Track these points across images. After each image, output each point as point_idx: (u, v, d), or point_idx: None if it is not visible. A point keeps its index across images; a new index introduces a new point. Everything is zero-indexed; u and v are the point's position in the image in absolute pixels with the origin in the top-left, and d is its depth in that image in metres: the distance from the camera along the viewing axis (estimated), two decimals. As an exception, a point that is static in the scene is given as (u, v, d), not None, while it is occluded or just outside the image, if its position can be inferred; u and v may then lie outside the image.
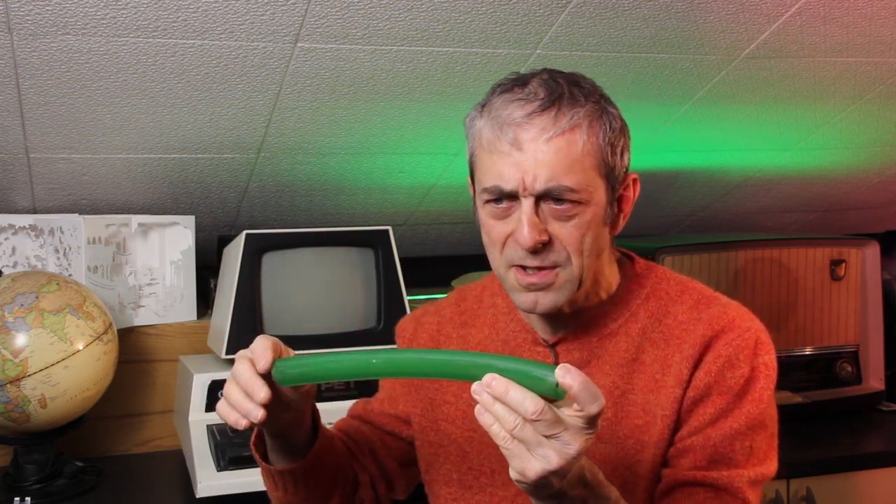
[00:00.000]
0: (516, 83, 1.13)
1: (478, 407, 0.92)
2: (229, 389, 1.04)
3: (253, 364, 1.03)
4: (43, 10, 1.46)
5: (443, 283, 2.38)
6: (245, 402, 1.01)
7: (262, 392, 1.01)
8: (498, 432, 0.91)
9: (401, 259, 1.97)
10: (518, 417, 0.89)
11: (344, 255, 1.96)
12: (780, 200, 2.73)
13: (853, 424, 2.22)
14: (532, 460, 0.90)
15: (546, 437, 0.90)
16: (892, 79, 2.09)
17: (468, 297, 1.34)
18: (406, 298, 1.97)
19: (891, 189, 2.75)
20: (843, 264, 2.24)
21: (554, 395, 0.90)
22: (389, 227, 1.97)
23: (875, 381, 2.27)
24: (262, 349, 1.04)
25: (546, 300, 1.12)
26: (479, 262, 2.63)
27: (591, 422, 0.90)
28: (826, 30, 1.83)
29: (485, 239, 1.16)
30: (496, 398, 0.90)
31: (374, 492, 1.31)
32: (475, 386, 0.92)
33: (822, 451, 2.00)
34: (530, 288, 1.12)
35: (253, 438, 1.20)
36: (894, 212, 2.94)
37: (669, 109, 2.09)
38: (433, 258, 2.65)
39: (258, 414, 1.01)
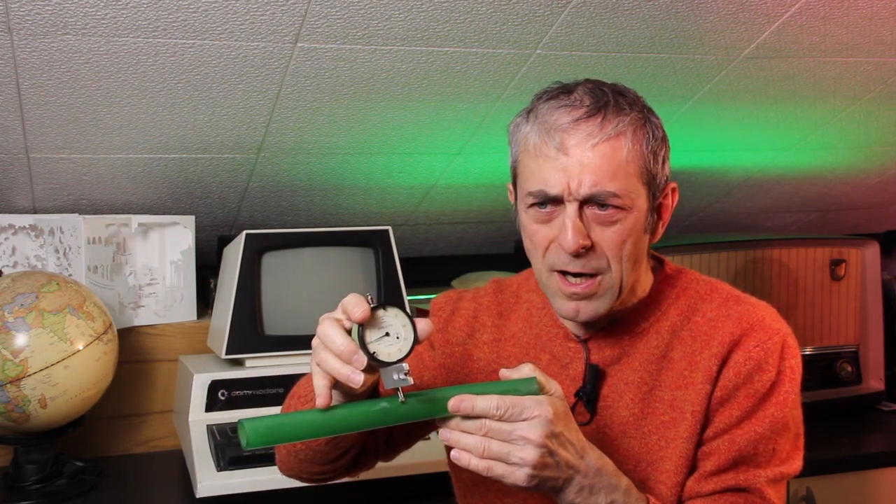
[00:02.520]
0: (562, 91, 1.15)
1: (453, 453, 1.02)
2: (323, 357, 1.01)
3: (342, 327, 1.02)
4: (43, 10, 1.46)
5: (443, 283, 2.38)
6: (343, 369, 1.00)
7: (363, 360, 1.00)
8: (477, 464, 1.01)
9: (401, 259, 1.97)
10: (480, 439, 1.00)
11: (344, 255, 1.96)
12: (780, 200, 2.73)
13: (853, 424, 2.22)
14: (515, 469, 1.00)
15: (511, 441, 1.00)
16: (892, 79, 2.09)
17: (505, 290, 1.36)
18: (406, 298, 1.97)
19: (891, 189, 2.75)
20: (843, 264, 2.24)
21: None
22: (389, 227, 1.97)
23: (875, 381, 2.27)
24: (355, 302, 1.02)
25: (588, 309, 1.15)
26: (479, 262, 2.65)
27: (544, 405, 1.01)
28: (826, 30, 1.83)
29: (527, 243, 1.18)
30: (466, 414, 1.01)
31: (376, 454, 1.31)
32: (441, 434, 1.03)
33: (822, 451, 2.00)
34: (573, 297, 1.15)
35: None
36: (894, 212, 2.94)
37: (669, 109, 2.09)
38: (433, 258, 2.65)
39: (359, 380, 1.00)
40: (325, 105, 1.84)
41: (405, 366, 1.02)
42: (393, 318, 1.03)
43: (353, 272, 1.95)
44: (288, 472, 1.29)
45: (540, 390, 1.04)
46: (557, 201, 1.12)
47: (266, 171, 2.06)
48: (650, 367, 1.19)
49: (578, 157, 1.10)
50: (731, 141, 2.31)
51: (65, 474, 1.79)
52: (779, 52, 1.89)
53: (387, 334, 1.02)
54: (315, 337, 1.04)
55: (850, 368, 2.23)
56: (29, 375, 1.62)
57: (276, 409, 1.28)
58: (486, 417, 1.01)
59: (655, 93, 1.99)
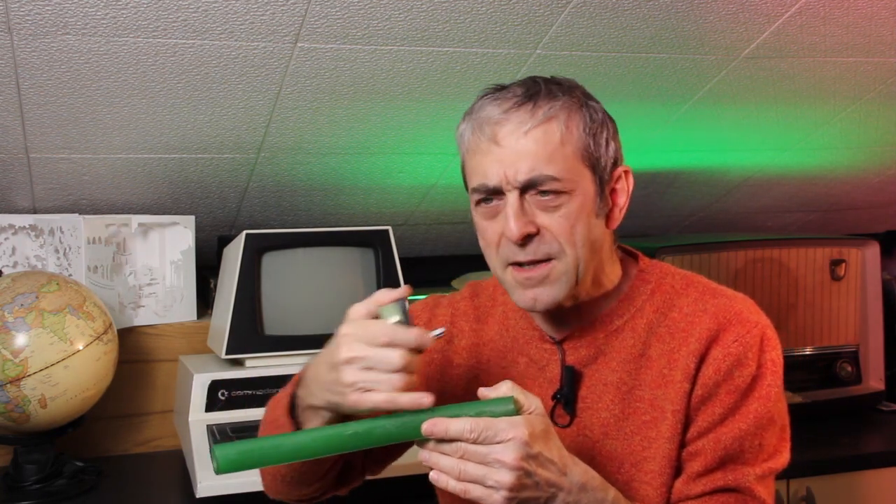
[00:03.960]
0: (498, 88, 1.16)
1: (431, 474, 1.02)
2: (385, 378, 1.02)
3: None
4: (43, 10, 1.46)
5: (443, 283, 2.38)
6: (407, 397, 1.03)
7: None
8: (455, 486, 1.00)
9: (401, 259, 1.97)
10: (456, 461, 0.99)
11: (344, 255, 1.96)
12: (780, 200, 2.73)
13: (853, 424, 2.22)
14: (492, 492, 0.99)
15: (486, 463, 0.99)
16: (892, 79, 2.09)
17: (482, 294, 1.35)
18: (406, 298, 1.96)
19: (891, 189, 2.75)
20: (843, 264, 2.24)
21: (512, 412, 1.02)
22: (389, 227, 1.97)
23: (875, 381, 2.27)
24: (384, 295, 1.06)
25: (545, 296, 1.14)
26: (479, 262, 2.63)
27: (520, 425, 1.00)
28: (826, 30, 1.83)
29: (481, 242, 1.19)
30: (440, 438, 1.00)
31: (362, 470, 1.31)
32: (420, 455, 1.02)
33: (822, 451, 2.00)
34: (527, 284, 1.14)
35: (285, 409, 1.18)
36: (894, 212, 2.94)
37: (669, 109, 2.09)
38: (433, 258, 2.65)
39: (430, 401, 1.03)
40: (325, 105, 1.84)
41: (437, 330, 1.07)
42: (386, 313, 1.06)
43: (353, 272, 1.96)
44: (275, 496, 1.28)
45: (518, 409, 1.02)
46: (499, 193, 1.12)
47: (266, 171, 2.06)
48: (628, 367, 1.17)
49: (512, 145, 1.10)
50: (731, 141, 2.31)
51: (65, 474, 1.79)
52: (779, 52, 1.89)
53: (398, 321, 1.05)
54: (357, 367, 1.03)
55: (850, 368, 2.23)
56: (29, 375, 1.62)
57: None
58: (460, 441, 1.00)
59: (655, 93, 2.00)
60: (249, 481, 1.66)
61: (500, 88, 1.15)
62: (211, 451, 1.01)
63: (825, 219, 2.90)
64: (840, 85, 2.08)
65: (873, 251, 2.27)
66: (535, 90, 1.12)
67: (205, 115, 1.81)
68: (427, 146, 2.08)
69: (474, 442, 0.99)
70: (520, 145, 1.10)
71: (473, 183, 1.14)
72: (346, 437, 1.03)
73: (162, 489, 1.84)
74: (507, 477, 0.98)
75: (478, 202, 1.15)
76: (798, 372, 2.18)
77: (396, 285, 1.94)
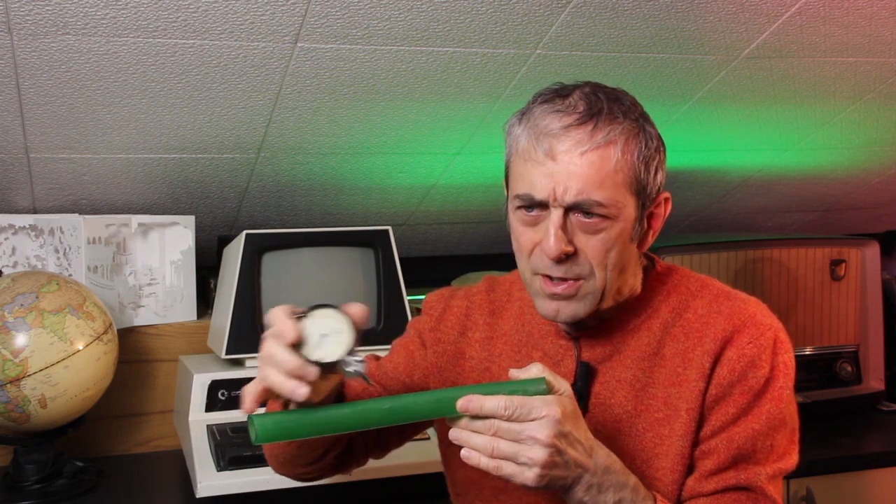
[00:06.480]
0: (558, 94, 1.15)
1: (462, 452, 1.02)
2: (268, 373, 1.01)
3: (285, 342, 1.01)
4: (43, 10, 1.46)
5: (443, 283, 2.37)
6: (286, 383, 1.00)
7: (313, 372, 1.01)
8: (487, 463, 1.01)
9: (401, 259, 1.97)
10: (489, 438, 1.00)
11: (344, 255, 1.96)
12: (780, 200, 2.73)
13: (853, 424, 2.22)
14: (524, 469, 1.00)
15: (519, 441, 1.00)
16: (892, 79, 2.09)
17: (498, 288, 1.37)
18: (406, 298, 1.97)
19: (891, 189, 2.75)
20: (843, 264, 2.24)
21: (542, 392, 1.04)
22: (389, 227, 1.97)
23: (875, 381, 2.27)
24: (282, 327, 1.02)
25: (567, 310, 1.16)
26: (479, 262, 2.65)
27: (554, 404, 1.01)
28: (826, 30, 1.83)
29: (514, 244, 1.19)
30: (475, 414, 1.01)
31: (366, 452, 1.32)
32: (451, 433, 1.03)
33: (822, 451, 2.00)
34: (553, 297, 1.16)
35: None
36: (894, 212, 2.94)
37: (669, 109, 2.09)
38: (433, 258, 2.65)
39: (304, 392, 1.00)
40: (325, 105, 1.84)
41: (356, 354, 1.03)
42: (324, 319, 1.03)
43: (353, 272, 1.96)
44: (277, 471, 1.31)
45: (549, 390, 1.04)
46: (543, 206, 1.13)
47: (266, 171, 2.06)
48: (642, 365, 1.19)
49: (566, 163, 1.10)
50: (731, 141, 2.31)
51: (65, 474, 1.79)
52: (779, 52, 1.89)
53: (326, 335, 1.03)
54: (260, 356, 1.04)
55: (850, 368, 2.23)
56: (29, 375, 1.62)
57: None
58: (494, 418, 1.01)
59: (655, 93, 2.00)
60: (249, 481, 1.67)
61: (561, 95, 1.14)
62: (249, 420, 1.03)
63: (825, 219, 2.90)
64: (840, 85, 2.08)
65: (873, 251, 2.27)
66: (598, 108, 1.12)
67: (205, 115, 1.81)
68: (427, 146, 2.08)
69: (508, 419, 1.01)
70: (574, 165, 1.10)
71: (519, 190, 1.14)
72: (382, 412, 1.05)
73: (162, 489, 1.84)
74: (540, 454, 1.00)
75: (518, 207, 1.16)
76: (798, 372, 2.16)
77: (396, 285, 1.96)
